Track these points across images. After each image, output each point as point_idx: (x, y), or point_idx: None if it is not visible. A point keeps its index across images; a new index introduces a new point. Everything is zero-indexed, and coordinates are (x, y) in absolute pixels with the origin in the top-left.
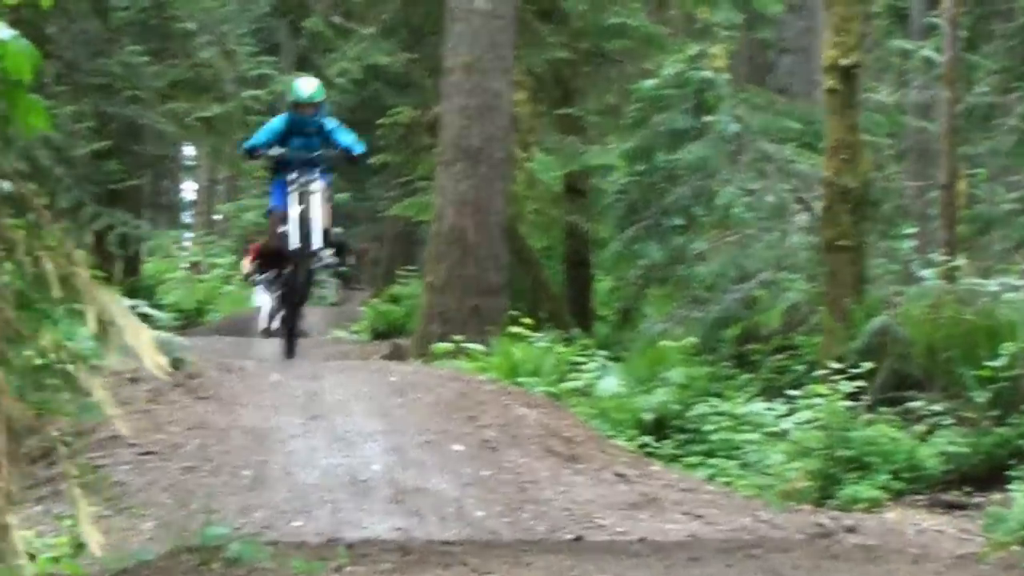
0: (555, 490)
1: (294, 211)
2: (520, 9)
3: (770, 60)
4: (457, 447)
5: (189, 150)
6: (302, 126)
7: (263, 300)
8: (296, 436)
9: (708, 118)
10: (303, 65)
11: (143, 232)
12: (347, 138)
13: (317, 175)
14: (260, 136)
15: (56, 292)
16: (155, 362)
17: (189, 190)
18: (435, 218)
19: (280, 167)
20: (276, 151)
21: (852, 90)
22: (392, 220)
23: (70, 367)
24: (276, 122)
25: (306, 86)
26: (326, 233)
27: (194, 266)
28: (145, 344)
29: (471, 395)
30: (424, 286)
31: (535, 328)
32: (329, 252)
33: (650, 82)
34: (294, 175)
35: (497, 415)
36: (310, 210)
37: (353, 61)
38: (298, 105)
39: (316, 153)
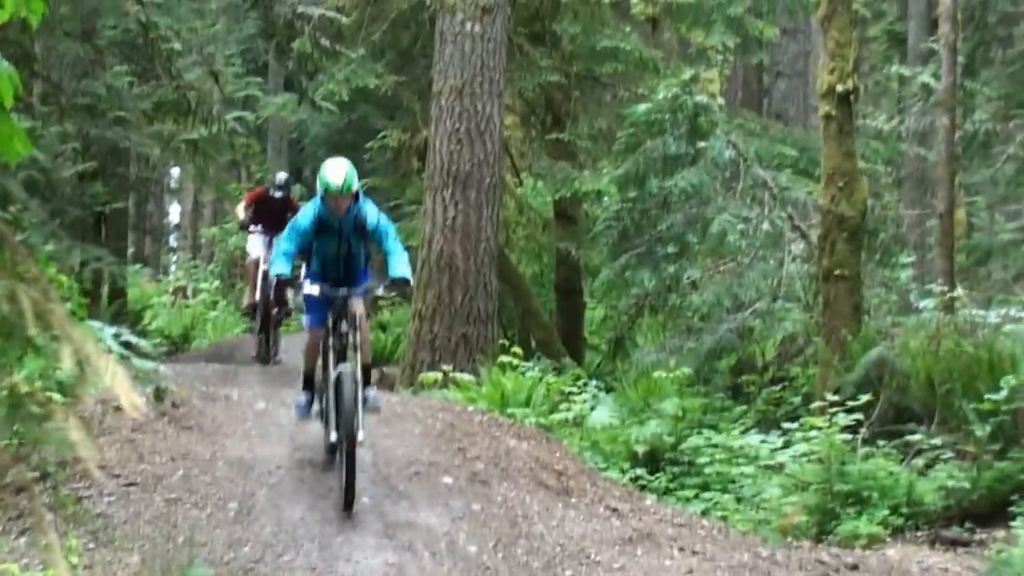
0: (548, 525)
1: (332, 373)
2: (511, 32)
3: (764, 85)
4: (447, 480)
5: (175, 173)
6: (336, 223)
7: None
8: (282, 467)
9: (702, 144)
10: (290, 87)
11: (116, 270)
12: (394, 248)
13: (358, 294)
14: (287, 244)
15: (32, 328)
16: (131, 401)
17: (174, 213)
18: (423, 244)
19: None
20: (309, 289)
21: (848, 116)
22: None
23: (48, 399)
24: (303, 219)
25: (336, 173)
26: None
27: (180, 291)
28: (121, 382)
29: (461, 426)
30: (412, 313)
31: (525, 357)
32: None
33: (643, 107)
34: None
35: (487, 447)
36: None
37: (341, 83)
38: (329, 195)
39: (361, 288)
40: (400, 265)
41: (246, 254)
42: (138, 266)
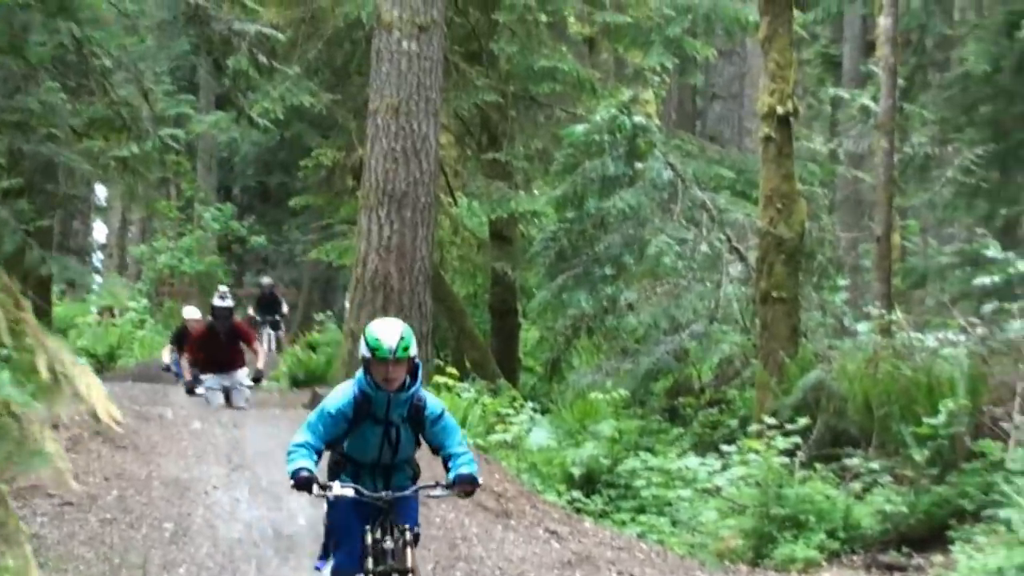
0: (487, 547)
1: None
2: (447, 51)
3: (699, 107)
4: None
5: (101, 191)
6: (383, 407)
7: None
8: (218, 487)
9: (640, 165)
10: (224, 104)
11: (89, 279)
12: (460, 450)
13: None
14: (310, 435)
15: (6, 339)
16: (107, 413)
17: (100, 232)
18: (357, 263)
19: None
20: (339, 491)
21: (788, 138)
22: (310, 264)
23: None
24: (343, 399)
25: (388, 332)
26: None
27: (106, 310)
28: (97, 394)
29: None
30: (345, 333)
31: (460, 378)
32: None
33: (581, 127)
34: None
35: (425, 467)
36: None
37: (276, 101)
38: (375, 361)
39: (407, 491)
40: (465, 464)
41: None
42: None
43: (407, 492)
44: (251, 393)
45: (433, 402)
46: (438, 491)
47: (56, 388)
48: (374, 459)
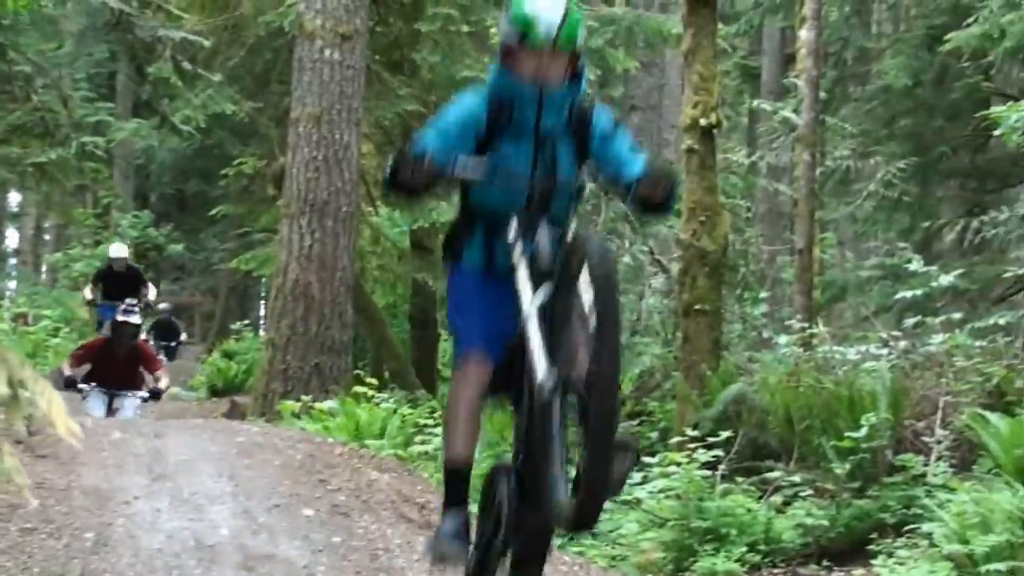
0: (409, 559)
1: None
2: (370, 60)
3: (618, 117)
4: (308, 512)
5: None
6: (533, 109)
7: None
8: (140, 497)
9: None
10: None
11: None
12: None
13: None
14: (435, 137)
15: None
16: (67, 427)
17: (13, 238)
18: (278, 272)
19: None
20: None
21: (711, 150)
22: (227, 273)
23: None
24: (470, 101)
25: (549, 5)
26: None
27: (20, 317)
28: (56, 408)
29: (321, 458)
30: (264, 343)
31: (380, 388)
32: None
33: None
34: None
35: (348, 479)
36: None
37: (198, 109)
38: (524, 51)
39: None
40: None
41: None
42: None
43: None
44: (141, 405)
45: (600, 106)
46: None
47: (15, 403)
48: (521, 193)
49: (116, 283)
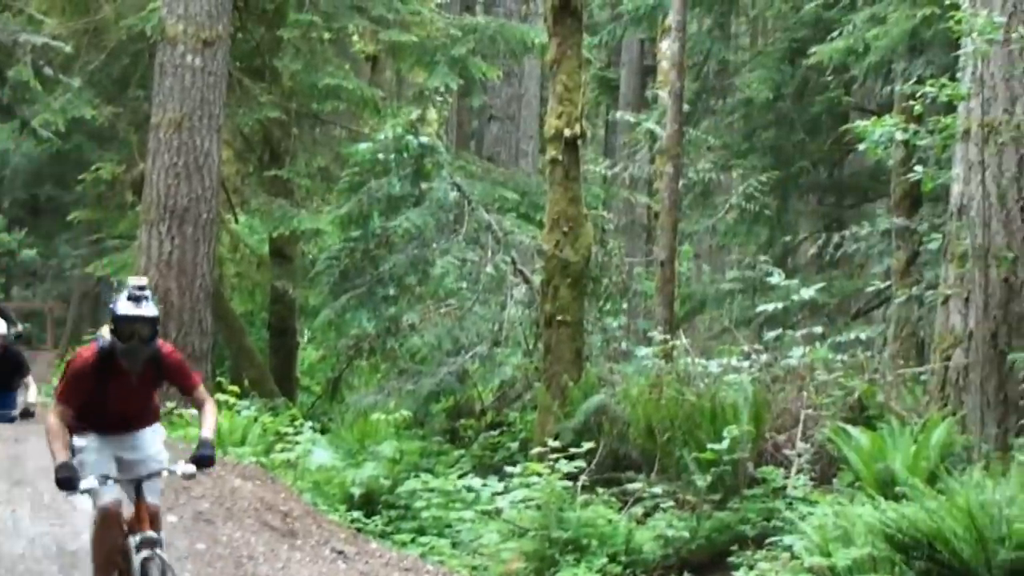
0: (273, 567)
1: None
2: (231, 66)
3: (473, 127)
4: (171, 519)
5: None
6: None
7: None
8: (0, 503)
9: (426, 185)
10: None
11: None
12: None
13: None
14: None
15: None
16: None
17: None
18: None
19: None
20: None
21: (575, 161)
22: (79, 279)
23: None
24: None
25: None
26: None
27: None
28: None
29: None
30: None
31: (240, 396)
32: None
33: (365, 145)
34: None
35: (211, 486)
36: None
37: (57, 113)
38: None
39: None
40: None
41: None
42: None
43: None
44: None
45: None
46: None
47: None
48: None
49: None
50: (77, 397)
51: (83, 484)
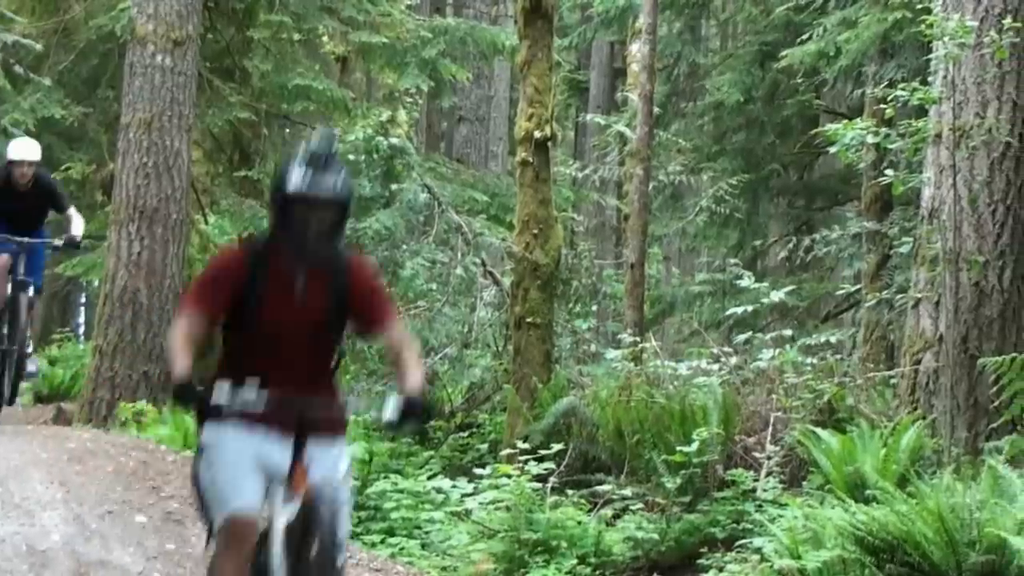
0: None
1: None
2: (201, 66)
3: (443, 129)
4: (140, 519)
5: None
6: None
7: None
8: None
9: (396, 186)
10: None
11: None
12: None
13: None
14: None
15: None
16: None
17: None
18: (106, 279)
19: None
20: None
21: (545, 163)
22: (49, 279)
23: None
24: None
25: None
26: None
27: None
28: None
29: (153, 465)
30: (91, 349)
31: None
32: None
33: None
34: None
35: (181, 486)
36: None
37: (27, 112)
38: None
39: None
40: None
41: None
42: None
43: None
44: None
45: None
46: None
47: None
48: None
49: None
50: None
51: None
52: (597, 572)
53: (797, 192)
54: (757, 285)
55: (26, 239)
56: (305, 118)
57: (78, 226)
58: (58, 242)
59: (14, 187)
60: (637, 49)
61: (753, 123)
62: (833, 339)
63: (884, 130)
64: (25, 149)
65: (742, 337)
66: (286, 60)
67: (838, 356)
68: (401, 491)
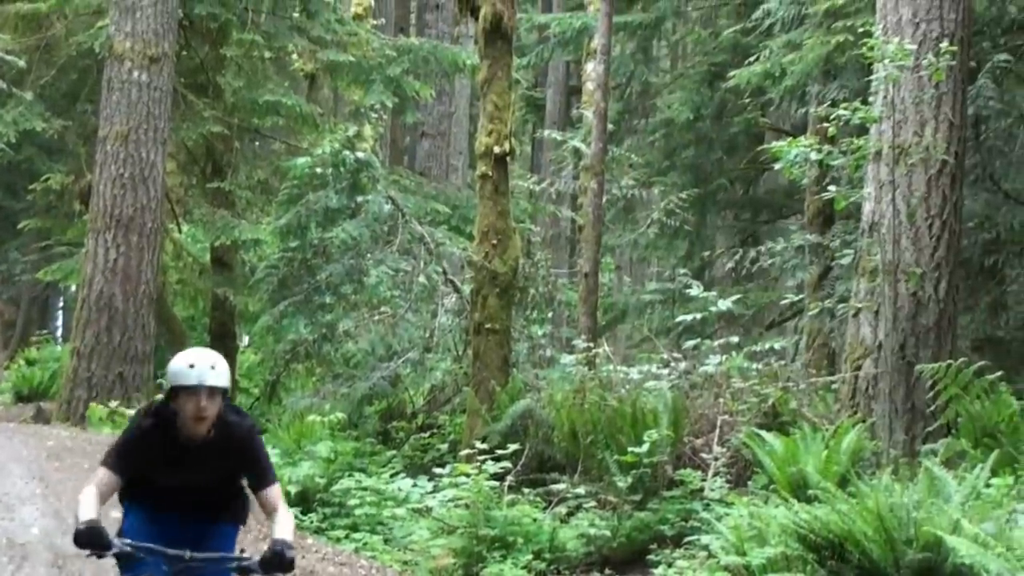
0: None
1: None
2: (176, 82)
3: (407, 144)
4: (116, 514)
5: None
6: None
7: None
8: None
9: (362, 198)
10: None
11: None
12: None
13: None
14: None
15: None
16: None
17: None
18: (84, 284)
19: None
20: None
21: (504, 176)
22: (29, 284)
23: None
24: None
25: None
26: None
27: None
28: None
29: None
30: (69, 351)
31: None
32: None
33: (303, 160)
34: None
35: None
36: None
37: (9, 125)
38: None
39: None
40: None
41: None
42: None
43: None
44: None
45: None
46: None
47: None
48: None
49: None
50: None
51: None
52: (552, 567)
53: (743, 206)
54: (705, 294)
55: (194, 557)
56: (275, 132)
57: (286, 526)
58: (253, 560)
59: (181, 440)
60: (592, 68)
61: (702, 140)
62: (777, 346)
63: (827, 147)
64: (206, 367)
65: (691, 343)
66: (257, 77)
67: (782, 362)
68: (365, 489)
